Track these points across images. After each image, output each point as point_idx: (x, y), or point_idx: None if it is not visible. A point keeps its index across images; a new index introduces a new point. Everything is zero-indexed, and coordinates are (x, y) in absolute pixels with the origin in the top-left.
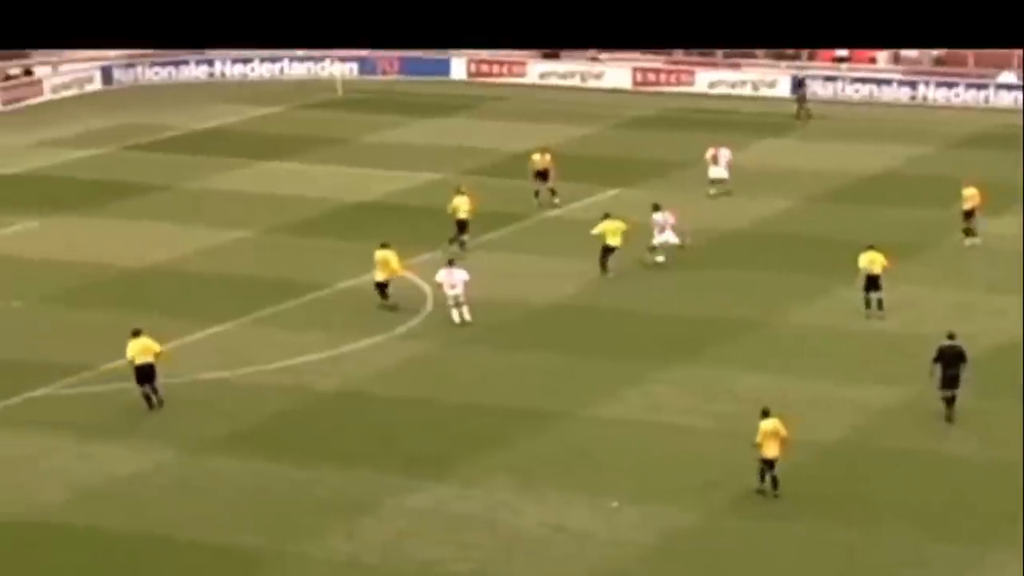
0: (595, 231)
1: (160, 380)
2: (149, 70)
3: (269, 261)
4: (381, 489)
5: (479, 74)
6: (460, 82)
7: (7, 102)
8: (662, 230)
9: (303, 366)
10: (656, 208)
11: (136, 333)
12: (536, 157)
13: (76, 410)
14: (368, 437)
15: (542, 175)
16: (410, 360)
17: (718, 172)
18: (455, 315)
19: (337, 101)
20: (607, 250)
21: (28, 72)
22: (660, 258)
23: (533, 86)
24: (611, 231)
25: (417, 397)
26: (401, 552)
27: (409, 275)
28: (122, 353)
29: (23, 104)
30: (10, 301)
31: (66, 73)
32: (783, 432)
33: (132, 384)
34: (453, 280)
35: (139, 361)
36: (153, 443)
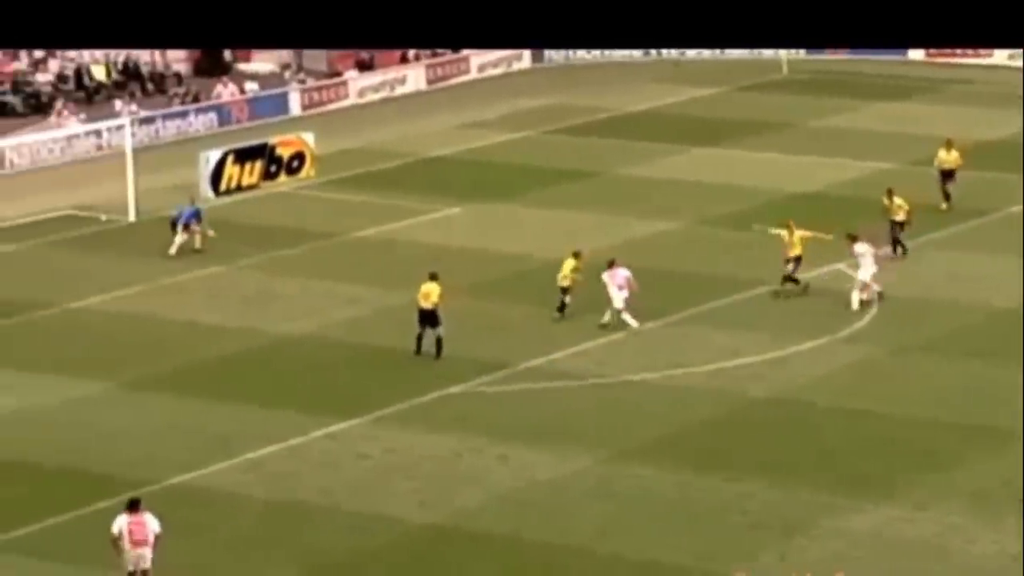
0: None
1: (442, 331)
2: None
3: (700, 255)
4: (818, 508)
5: (939, 54)
6: (917, 63)
7: (432, 81)
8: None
9: (737, 369)
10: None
11: (432, 277)
12: (942, 153)
13: (494, 409)
14: (805, 450)
15: (947, 175)
16: (854, 366)
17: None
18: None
19: (781, 82)
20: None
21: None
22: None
23: (1004, 68)
24: None
25: (861, 408)
26: None
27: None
28: (543, 350)
29: (448, 83)
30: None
31: (494, 51)
32: None
33: (554, 383)
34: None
35: (421, 304)
36: (574, 447)
